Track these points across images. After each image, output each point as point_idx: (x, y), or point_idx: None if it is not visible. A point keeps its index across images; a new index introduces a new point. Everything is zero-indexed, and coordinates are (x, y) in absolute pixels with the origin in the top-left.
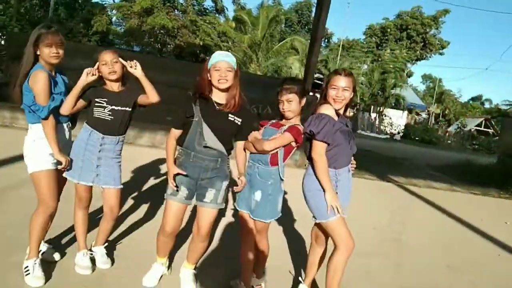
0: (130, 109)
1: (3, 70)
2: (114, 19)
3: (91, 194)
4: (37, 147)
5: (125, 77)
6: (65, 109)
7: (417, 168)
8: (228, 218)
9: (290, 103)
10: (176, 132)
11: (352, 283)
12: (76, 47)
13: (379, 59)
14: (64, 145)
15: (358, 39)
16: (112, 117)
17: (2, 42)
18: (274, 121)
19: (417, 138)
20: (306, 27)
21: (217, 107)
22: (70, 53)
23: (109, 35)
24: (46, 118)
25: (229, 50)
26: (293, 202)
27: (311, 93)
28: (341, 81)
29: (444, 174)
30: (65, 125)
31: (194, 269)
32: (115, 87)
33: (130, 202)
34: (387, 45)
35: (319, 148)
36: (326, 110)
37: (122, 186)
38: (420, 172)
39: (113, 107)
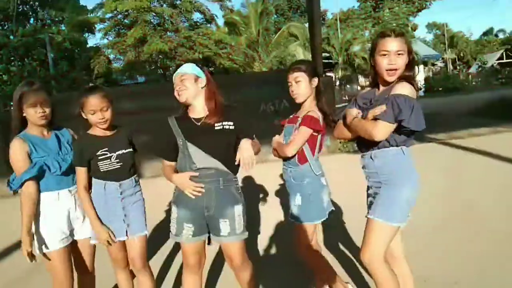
0: (132, 149)
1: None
2: (111, 57)
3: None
4: (42, 221)
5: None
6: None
7: (453, 120)
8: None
9: (299, 84)
10: (169, 164)
11: (436, 262)
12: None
13: (380, 21)
14: (71, 216)
15: (353, 7)
16: (121, 163)
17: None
18: (291, 116)
19: (440, 89)
20: (299, 11)
21: (197, 123)
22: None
23: (111, 75)
24: (16, 191)
25: (229, 56)
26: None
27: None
28: (392, 44)
29: (481, 117)
30: (67, 191)
31: None
32: (108, 131)
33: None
34: (384, 5)
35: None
36: (403, 88)
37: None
38: (458, 123)
39: (118, 152)
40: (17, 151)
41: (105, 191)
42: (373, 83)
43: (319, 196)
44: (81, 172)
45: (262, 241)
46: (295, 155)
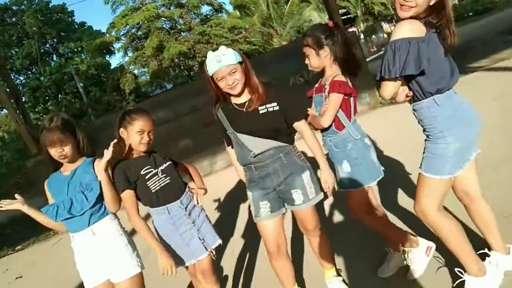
0: (172, 162)
1: None
2: (136, 72)
3: None
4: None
5: None
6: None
7: (491, 42)
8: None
9: (309, 58)
10: (230, 149)
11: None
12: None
13: None
14: (88, 260)
15: None
16: (169, 177)
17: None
18: (316, 85)
19: (470, 14)
20: None
21: (242, 109)
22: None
23: (141, 89)
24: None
25: (246, 39)
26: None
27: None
28: None
29: None
30: (85, 231)
31: (338, 274)
32: (142, 153)
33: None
34: None
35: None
36: (401, 29)
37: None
38: (498, 44)
39: (161, 167)
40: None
41: (170, 214)
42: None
43: (366, 158)
44: (130, 196)
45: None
46: (331, 124)
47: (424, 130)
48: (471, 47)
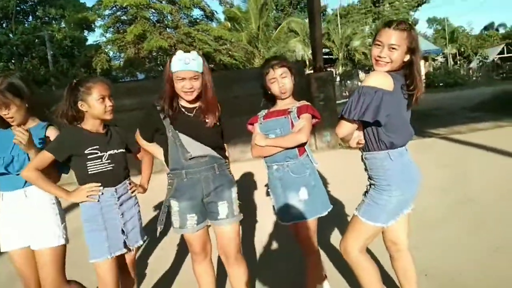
0: (125, 151)
1: None
2: (111, 54)
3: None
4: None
5: None
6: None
7: (454, 114)
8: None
9: (284, 79)
10: (146, 145)
11: (437, 256)
12: None
13: (380, 16)
14: (13, 222)
15: (352, 3)
16: (114, 164)
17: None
18: (264, 112)
19: (441, 84)
20: (298, 7)
21: (189, 113)
22: None
23: (111, 72)
24: None
25: (229, 52)
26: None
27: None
28: (388, 36)
29: (483, 112)
30: (17, 192)
31: None
32: (101, 129)
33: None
34: (384, 0)
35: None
36: (373, 80)
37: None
38: (459, 118)
39: (110, 152)
40: None
41: (100, 199)
42: None
43: (322, 186)
44: (45, 157)
45: (258, 243)
46: (300, 145)
47: (370, 178)
48: (434, 115)
